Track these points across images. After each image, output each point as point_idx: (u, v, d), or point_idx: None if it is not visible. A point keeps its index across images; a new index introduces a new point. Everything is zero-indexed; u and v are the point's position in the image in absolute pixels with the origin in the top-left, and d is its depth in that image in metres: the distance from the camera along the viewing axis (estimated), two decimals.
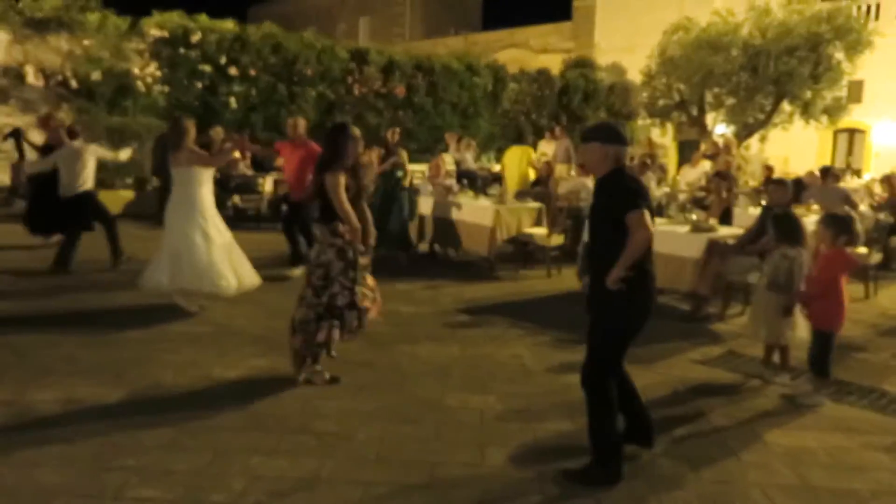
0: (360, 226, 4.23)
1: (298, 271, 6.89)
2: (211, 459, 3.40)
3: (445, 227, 8.53)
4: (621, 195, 3.16)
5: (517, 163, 11.02)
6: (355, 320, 4.21)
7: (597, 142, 3.27)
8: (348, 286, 4.18)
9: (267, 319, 5.74)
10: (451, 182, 9.45)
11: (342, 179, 4.14)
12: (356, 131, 4.34)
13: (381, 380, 4.50)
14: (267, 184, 11.58)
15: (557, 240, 8.19)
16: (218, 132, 12.26)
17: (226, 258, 5.64)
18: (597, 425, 3.30)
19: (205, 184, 5.69)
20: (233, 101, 14.03)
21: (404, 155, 8.75)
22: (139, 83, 12.45)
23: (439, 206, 8.61)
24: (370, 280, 4.35)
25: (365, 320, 4.27)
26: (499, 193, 9.16)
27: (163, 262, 5.57)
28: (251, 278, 5.80)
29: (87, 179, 7.20)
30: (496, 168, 14.16)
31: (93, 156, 7.28)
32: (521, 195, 10.00)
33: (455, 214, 8.41)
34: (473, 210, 8.25)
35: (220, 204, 11.44)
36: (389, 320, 5.96)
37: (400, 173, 8.38)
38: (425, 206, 8.82)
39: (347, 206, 4.14)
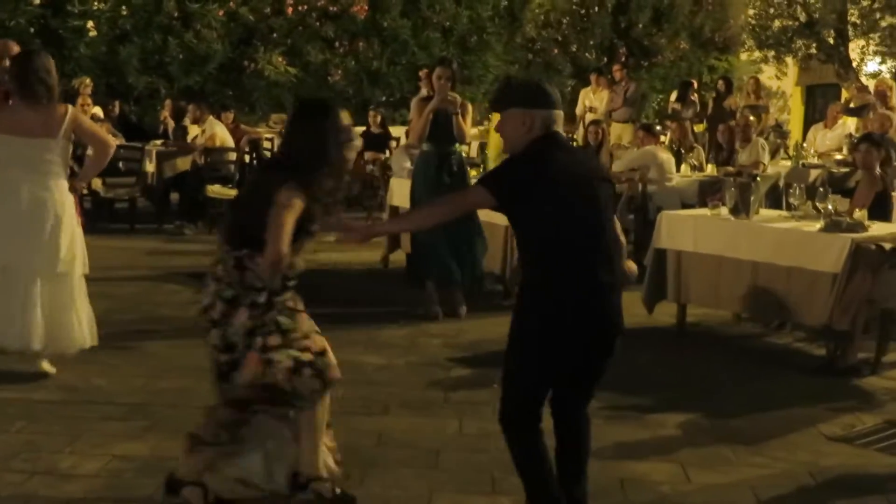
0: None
1: None
2: None
3: None
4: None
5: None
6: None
7: (517, 107, 3.66)
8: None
9: (146, 379, 5.76)
10: None
11: (299, 203, 3.74)
12: (347, 117, 4.02)
13: None
14: (148, 160, 11.62)
15: None
16: (85, 83, 12.27)
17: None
18: (526, 485, 3.80)
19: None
20: (90, 27, 14.06)
21: (468, 108, 7.78)
22: None
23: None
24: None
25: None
26: None
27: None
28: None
29: None
30: None
31: None
32: None
33: None
34: None
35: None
36: (342, 378, 5.96)
37: (458, 146, 7.72)
38: (401, 193, 8.85)
39: (286, 251, 3.66)
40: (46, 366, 5.77)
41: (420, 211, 4.07)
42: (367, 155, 12.89)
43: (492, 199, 3.58)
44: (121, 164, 11.54)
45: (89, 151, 6.47)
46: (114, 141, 5.89)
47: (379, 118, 13.55)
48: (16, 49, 6.46)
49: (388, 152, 13.10)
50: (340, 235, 3.88)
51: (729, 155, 11.16)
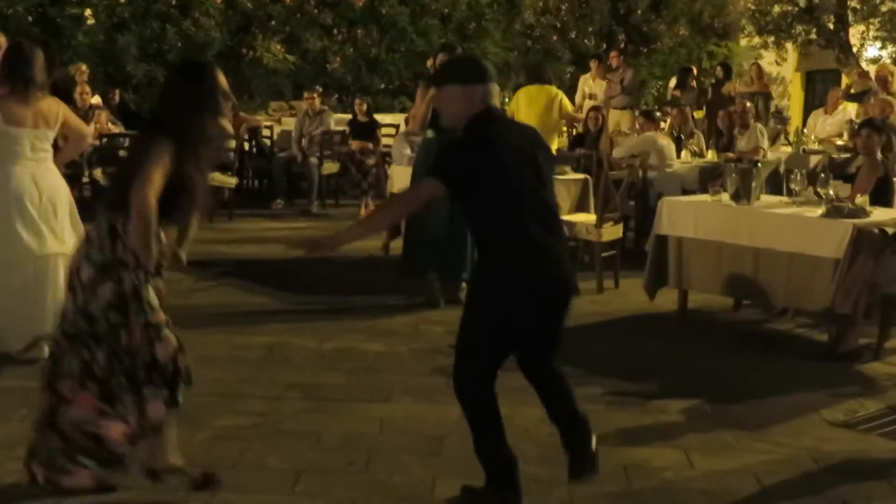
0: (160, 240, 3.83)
1: None
2: None
3: None
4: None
5: (538, 112, 10.84)
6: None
7: (457, 83, 3.83)
8: (151, 324, 3.83)
9: None
10: None
11: (165, 160, 3.72)
12: (223, 80, 4.01)
13: (332, 460, 4.50)
14: None
15: (613, 232, 8.23)
16: (81, 70, 12.21)
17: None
18: (478, 442, 3.98)
19: None
20: (88, 15, 14.00)
21: None
22: None
23: None
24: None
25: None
26: None
27: None
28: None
29: None
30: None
31: None
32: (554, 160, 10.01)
33: None
34: None
35: (73, 180, 11.55)
36: (344, 365, 5.97)
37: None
38: (401, 180, 8.83)
39: (152, 203, 3.66)
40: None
41: (381, 212, 4.46)
42: (355, 144, 12.65)
43: (444, 188, 3.76)
44: (122, 153, 11.48)
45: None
46: (91, 132, 6.04)
47: (365, 106, 13.16)
48: (2, 41, 6.53)
49: (374, 141, 12.81)
50: (307, 251, 3.96)
51: (729, 141, 11.14)
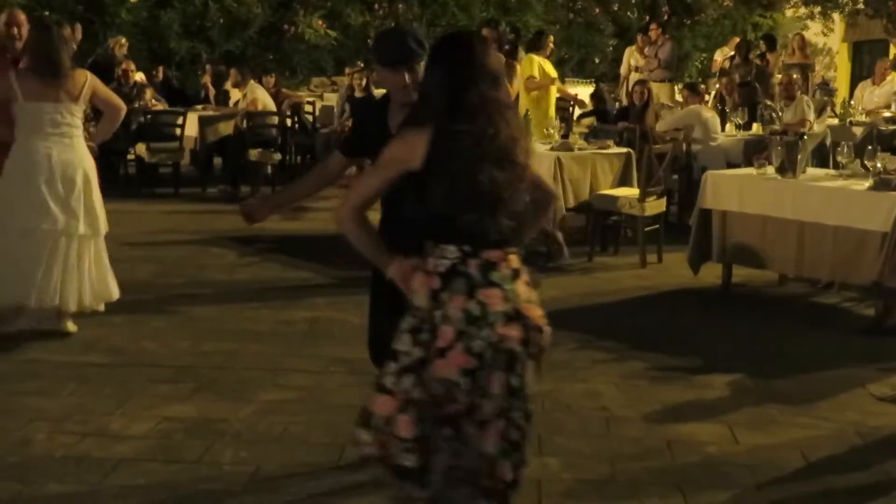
0: None
1: None
2: None
3: None
4: None
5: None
6: None
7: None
8: None
9: (193, 342, 5.80)
10: None
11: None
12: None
13: None
14: (190, 125, 11.66)
15: (656, 206, 8.17)
16: (121, 44, 12.32)
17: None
18: None
19: None
20: None
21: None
22: None
23: None
24: None
25: None
26: (557, 131, 9.12)
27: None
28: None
29: None
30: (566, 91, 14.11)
31: None
32: (597, 134, 9.96)
33: None
34: None
35: (119, 156, 11.65)
36: None
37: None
38: None
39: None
40: (71, 326, 5.84)
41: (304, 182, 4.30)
42: (349, 123, 12.20)
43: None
44: (176, 130, 11.52)
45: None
46: (124, 105, 6.01)
47: (364, 80, 11.96)
48: (22, 17, 6.52)
49: None
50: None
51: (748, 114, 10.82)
